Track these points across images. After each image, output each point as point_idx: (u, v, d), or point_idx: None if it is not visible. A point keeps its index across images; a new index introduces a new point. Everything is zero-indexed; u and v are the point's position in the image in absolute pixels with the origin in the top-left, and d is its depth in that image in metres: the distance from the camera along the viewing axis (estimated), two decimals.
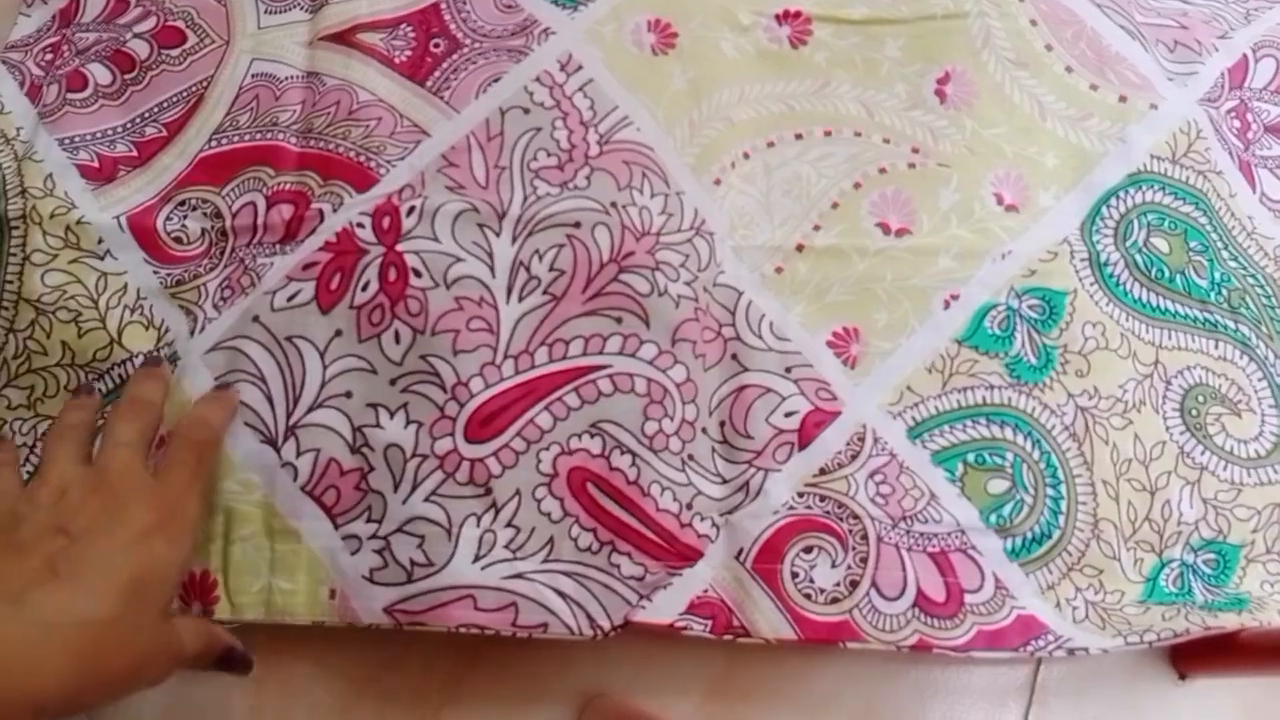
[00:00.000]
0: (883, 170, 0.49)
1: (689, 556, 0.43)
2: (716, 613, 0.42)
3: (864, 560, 0.43)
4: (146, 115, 0.49)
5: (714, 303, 0.46)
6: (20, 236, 0.46)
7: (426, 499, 0.42)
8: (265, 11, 0.51)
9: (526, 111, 0.48)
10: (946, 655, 0.42)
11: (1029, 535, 0.44)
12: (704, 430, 0.44)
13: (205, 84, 0.50)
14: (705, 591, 0.42)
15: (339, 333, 0.44)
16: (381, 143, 0.47)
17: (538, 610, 0.41)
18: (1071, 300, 0.47)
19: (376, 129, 0.48)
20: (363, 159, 0.47)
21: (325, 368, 0.44)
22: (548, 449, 0.43)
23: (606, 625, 0.41)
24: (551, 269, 0.45)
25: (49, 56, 0.50)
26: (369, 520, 0.42)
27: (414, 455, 0.42)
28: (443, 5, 0.51)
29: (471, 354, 0.44)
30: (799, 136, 0.50)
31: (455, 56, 0.50)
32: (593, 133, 0.48)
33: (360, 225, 0.46)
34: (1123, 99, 0.51)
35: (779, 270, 0.47)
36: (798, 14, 0.52)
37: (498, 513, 0.42)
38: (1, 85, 0.49)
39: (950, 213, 0.49)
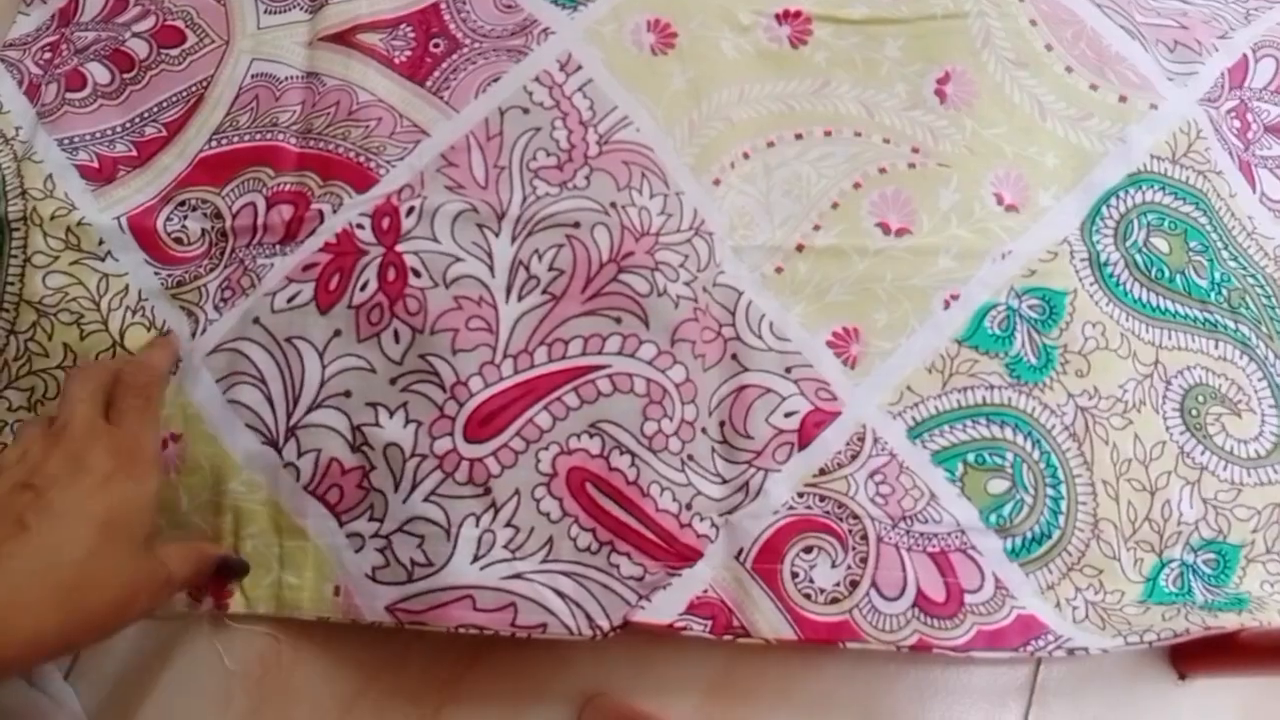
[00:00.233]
0: (883, 170, 0.49)
1: (688, 557, 0.43)
2: (716, 613, 0.42)
3: (864, 560, 0.43)
4: (146, 115, 0.49)
5: (714, 303, 0.46)
6: (21, 238, 0.46)
7: (426, 498, 0.42)
8: (265, 11, 0.51)
9: (526, 111, 0.48)
10: (946, 655, 0.43)
11: (1029, 535, 0.44)
12: (704, 430, 0.44)
13: (205, 84, 0.50)
14: (705, 592, 0.42)
15: (338, 333, 0.44)
16: (381, 143, 0.47)
17: (537, 610, 0.41)
18: (1071, 300, 0.47)
19: (376, 129, 0.48)
20: (362, 159, 0.47)
21: (324, 367, 0.44)
22: (547, 449, 0.43)
23: (606, 625, 0.41)
24: (551, 269, 0.45)
25: (48, 55, 0.50)
26: (371, 519, 0.42)
27: (413, 455, 0.42)
28: (442, 5, 0.51)
29: (471, 353, 0.44)
30: (799, 136, 0.50)
31: (455, 56, 0.50)
32: (592, 133, 0.48)
33: (360, 226, 0.46)
34: (1123, 99, 0.51)
35: (779, 270, 0.47)
36: (798, 14, 0.52)
37: (497, 513, 0.42)
38: (0, 84, 0.49)
39: (950, 213, 0.49)
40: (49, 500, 0.33)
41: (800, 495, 0.44)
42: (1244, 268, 0.50)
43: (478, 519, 0.42)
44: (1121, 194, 0.50)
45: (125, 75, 0.50)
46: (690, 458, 0.44)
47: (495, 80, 0.48)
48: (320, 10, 0.51)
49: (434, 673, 0.44)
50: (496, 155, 0.47)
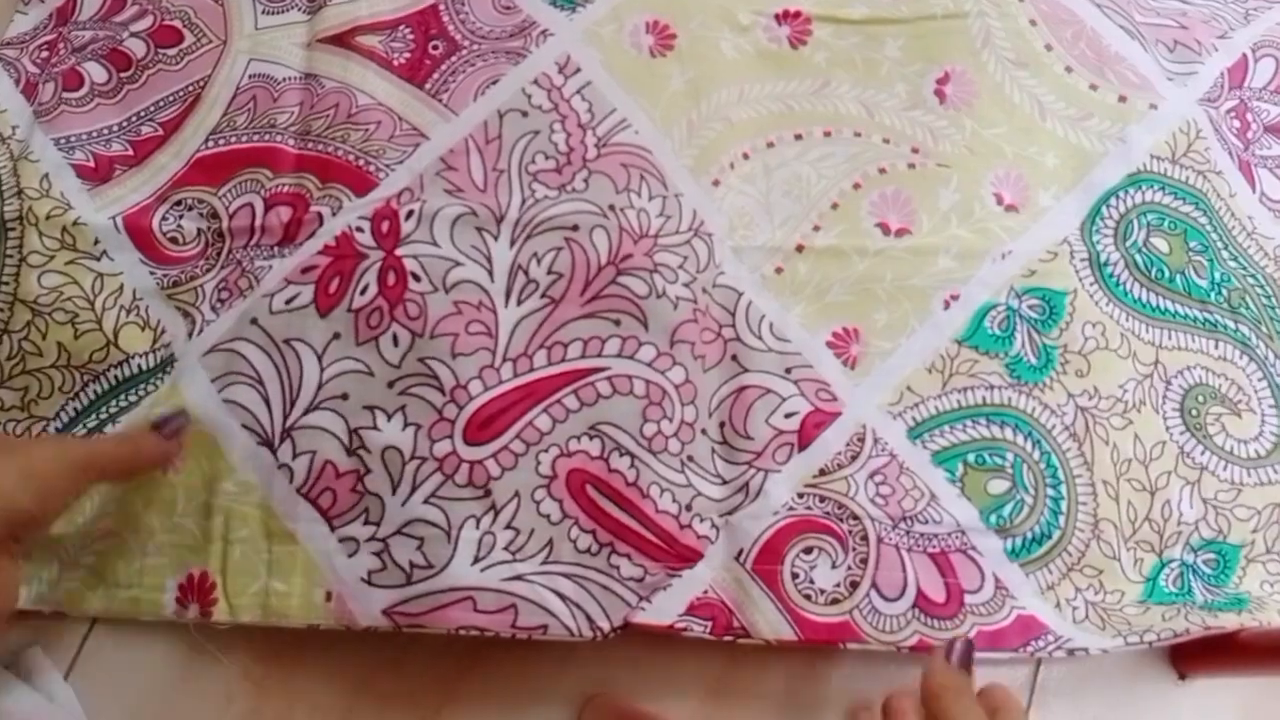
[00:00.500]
0: (882, 170, 0.49)
1: (689, 558, 0.42)
2: (716, 614, 0.42)
3: (864, 561, 0.43)
4: (143, 114, 0.49)
5: (713, 304, 0.46)
6: (17, 238, 0.45)
7: (425, 501, 0.42)
8: (263, 12, 0.51)
9: (525, 114, 0.48)
10: None
11: (1029, 535, 0.44)
12: (703, 431, 0.44)
13: (202, 84, 0.50)
14: (705, 592, 0.42)
15: (337, 335, 0.44)
16: (381, 146, 0.47)
17: (537, 612, 0.41)
18: (1071, 300, 0.47)
19: (376, 133, 0.48)
20: (362, 162, 0.47)
21: (322, 370, 0.43)
22: (547, 451, 0.43)
23: (606, 627, 0.41)
24: (550, 272, 0.45)
25: (45, 54, 0.50)
26: (366, 522, 0.42)
27: (413, 457, 0.42)
28: (441, 6, 0.51)
29: (470, 357, 0.43)
30: (799, 137, 0.50)
31: (454, 59, 0.49)
32: (591, 135, 0.48)
33: (359, 229, 0.45)
34: (1122, 99, 0.51)
35: (779, 271, 0.47)
36: (797, 14, 0.52)
37: (497, 515, 0.42)
38: None
39: (950, 213, 0.49)
40: None
41: (800, 496, 0.44)
42: (1244, 268, 0.50)
43: (478, 521, 0.42)
44: (1121, 194, 0.50)
45: (122, 74, 0.50)
46: (690, 459, 0.44)
47: (494, 83, 0.48)
48: (319, 11, 0.51)
49: (434, 673, 0.44)
50: (495, 158, 0.47)
